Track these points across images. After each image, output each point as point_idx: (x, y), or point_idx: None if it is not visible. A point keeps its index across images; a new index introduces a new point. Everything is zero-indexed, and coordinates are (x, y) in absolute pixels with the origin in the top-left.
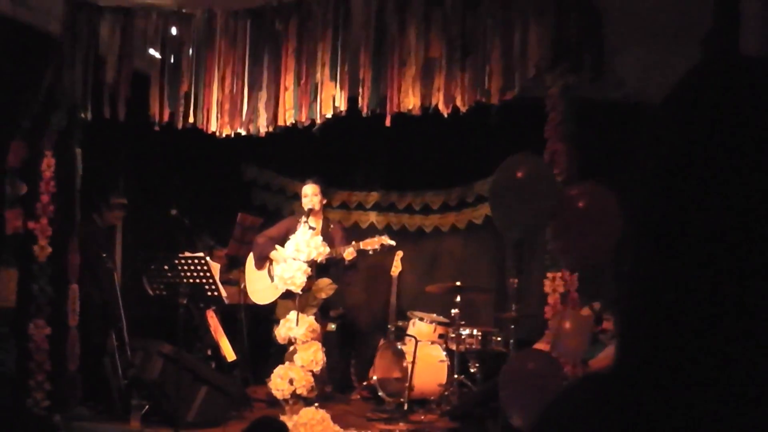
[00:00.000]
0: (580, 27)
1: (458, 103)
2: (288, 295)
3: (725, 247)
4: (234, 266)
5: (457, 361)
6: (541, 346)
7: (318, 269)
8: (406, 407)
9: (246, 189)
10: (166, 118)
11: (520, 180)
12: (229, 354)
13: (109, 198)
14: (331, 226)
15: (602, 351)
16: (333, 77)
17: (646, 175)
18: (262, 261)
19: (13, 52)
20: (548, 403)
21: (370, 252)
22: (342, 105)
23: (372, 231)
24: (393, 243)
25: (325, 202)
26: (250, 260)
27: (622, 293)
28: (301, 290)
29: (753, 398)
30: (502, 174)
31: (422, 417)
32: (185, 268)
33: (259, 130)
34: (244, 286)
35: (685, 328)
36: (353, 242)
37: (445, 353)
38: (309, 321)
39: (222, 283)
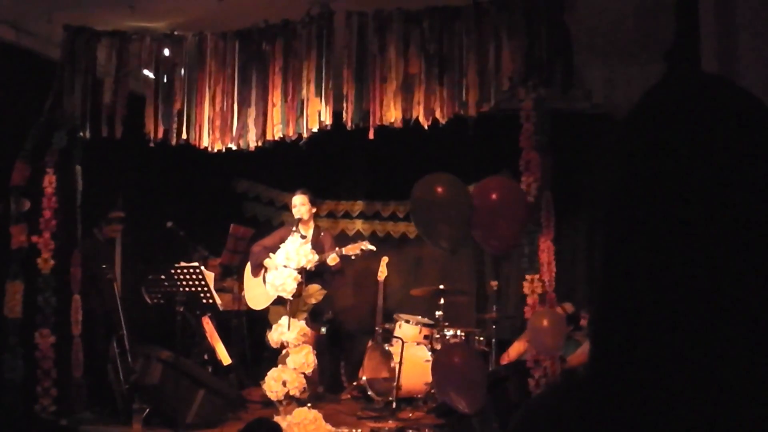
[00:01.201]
0: (550, 43)
1: (438, 115)
2: (280, 301)
3: (688, 251)
4: (227, 275)
5: None
6: (520, 344)
7: (308, 276)
8: (394, 405)
9: (237, 201)
10: (160, 135)
11: (439, 198)
12: (225, 358)
13: (108, 213)
14: (322, 233)
15: (578, 348)
16: (318, 93)
17: (613, 184)
18: (258, 268)
19: (16, 77)
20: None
21: (353, 257)
22: (327, 119)
23: (358, 238)
24: (373, 248)
25: (314, 211)
26: (248, 268)
27: (593, 294)
28: (292, 296)
29: (730, 396)
30: (420, 192)
31: (410, 414)
32: (181, 277)
33: (248, 145)
34: (243, 294)
35: (655, 327)
36: (336, 249)
37: (430, 353)
38: (300, 325)
39: (216, 291)
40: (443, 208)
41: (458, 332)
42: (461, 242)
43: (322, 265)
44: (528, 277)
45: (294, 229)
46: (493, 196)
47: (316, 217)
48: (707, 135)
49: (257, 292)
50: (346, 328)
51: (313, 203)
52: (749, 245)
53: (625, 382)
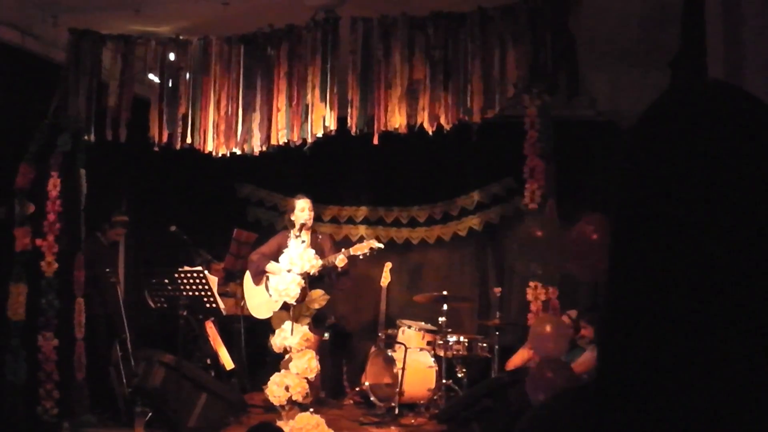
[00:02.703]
0: (555, 50)
1: (442, 121)
2: (283, 306)
3: (698, 259)
4: (231, 279)
5: (445, 366)
6: (524, 351)
7: (310, 281)
8: (396, 411)
9: (241, 206)
10: (164, 139)
11: (539, 239)
12: (228, 362)
13: (112, 216)
14: (320, 237)
15: (581, 355)
16: (323, 99)
17: (621, 193)
18: (259, 276)
19: (22, 81)
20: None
21: (360, 257)
22: (332, 125)
23: None
24: (381, 245)
25: (313, 216)
26: (248, 277)
27: (600, 302)
28: (295, 301)
29: (740, 403)
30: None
31: (412, 420)
32: (185, 281)
33: (253, 150)
34: (244, 303)
35: (663, 334)
36: (343, 249)
37: (433, 359)
38: (303, 330)
39: (219, 296)
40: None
41: (461, 338)
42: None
43: (325, 268)
44: (531, 284)
45: (297, 234)
46: (594, 237)
47: (319, 222)
48: (715, 142)
49: (260, 301)
50: (348, 333)
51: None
52: (760, 252)
53: (632, 388)
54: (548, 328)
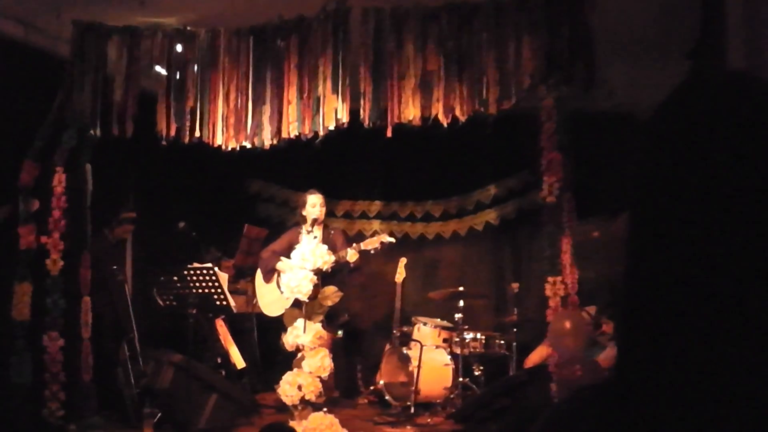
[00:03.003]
0: (571, 40)
1: (457, 113)
2: (295, 303)
3: (719, 253)
4: (241, 276)
5: (461, 364)
6: (543, 348)
7: (323, 277)
8: (412, 411)
9: (251, 202)
10: (172, 133)
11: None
12: (239, 362)
13: (119, 213)
14: (332, 232)
15: (601, 353)
16: (335, 90)
17: (639, 186)
18: (270, 274)
19: (26, 76)
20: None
21: (372, 251)
22: (344, 117)
23: None
24: (393, 240)
25: (325, 211)
26: (259, 275)
27: (619, 297)
28: (308, 298)
29: (758, 405)
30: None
31: (428, 420)
32: (194, 278)
33: (263, 143)
34: (255, 300)
35: (683, 333)
36: (354, 244)
37: (449, 357)
38: (316, 328)
39: (230, 293)
40: None
41: (478, 335)
42: None
43: (338, 264)
44: (550, 279)
45: (309, 229)
46: None
47: (332, 217)
48: (735, 134)
49: (272, 299)
50: (362, 330)
51: (325, 203)
52: None
53: (650, 388)
54: (567, 325)
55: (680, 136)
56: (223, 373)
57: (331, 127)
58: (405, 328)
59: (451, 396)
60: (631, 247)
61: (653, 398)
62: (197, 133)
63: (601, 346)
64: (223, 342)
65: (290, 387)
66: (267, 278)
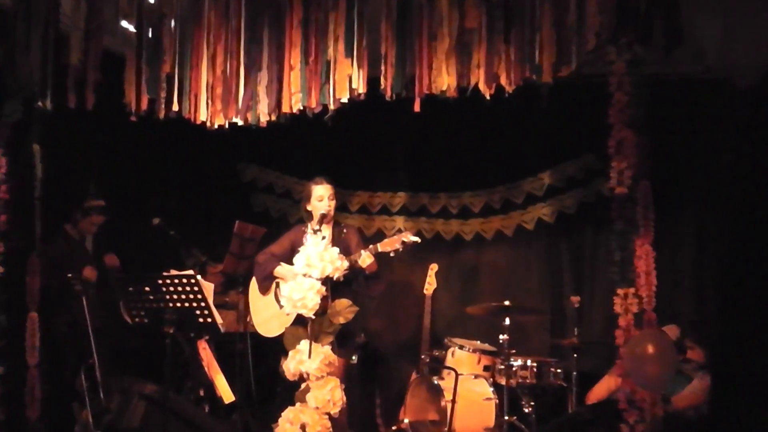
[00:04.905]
0: None
1: (503, 81)
2: (298, 321)
3: None
4: (231, 286)
5: (507, 398)
6: (610, 379)
7: (333, 288)
8: None
9: (245, 192)
10: (144, 106)
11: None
12: (227, 394)
13: (83, 202)
14: (344, 231)
15: (686, 386)
16: (349, 54)
17: (736, 170)
18: (267, 282)
19: None
20: None
21: (391, 254)
22: (360, 87)
23: None
24: (417, 239)
25: (337, 205)
26: (254, 284)
27: (713, 314)
28: (315, 314)
29: None
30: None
31: None
32: (171, 289)
33: (259, 120)
34: (248, 317)
35: None
36: (370, 246)
37: (492, 389)
38: (324, 352)
39: (217, 307)
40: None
41: (528, 362)
42: None
43: (352, 271)
44: (620, 291)
45: (316, 228)
46: None
47: (345, 212)
48: None
49: (269, 314)
50: (383, 355)
51: (337, 195)
52: None
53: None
54: (651, 348)
55: None
56: (208, 408)
57: (344, 100)
58: (436, 352)
59: None
60: (730, 251)
61: None
62: (175, 107)
63: (686, 377)
64: (207, 369)
65: (291, 426)
66: (263, 288)
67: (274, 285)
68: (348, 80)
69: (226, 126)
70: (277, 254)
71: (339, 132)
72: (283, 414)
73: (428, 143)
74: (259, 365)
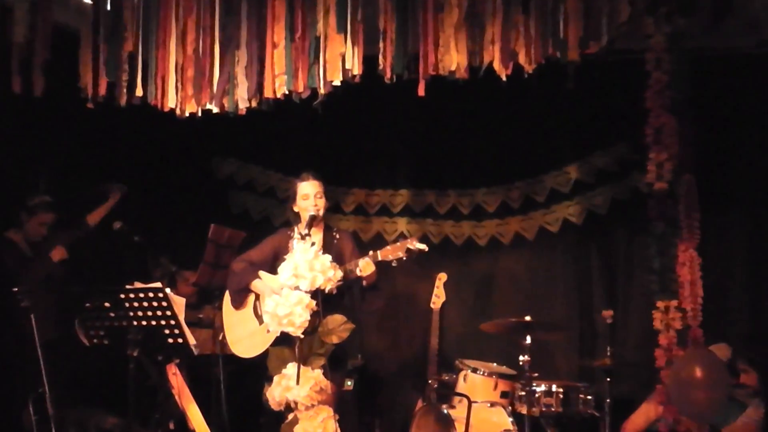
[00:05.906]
0: None
1: (521, 60)
2: (284, 340)
3: None
4: (206, 300)
5: (530, 429)
6: (650, 406)
7: (325, 302)
8: None
9: (221, 190)
10: (103, 91)
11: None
12: (200, 427)
13: (28, 200)
14: (336, 236)
15: (739, 415)
16: (341, 29)
17: None
18: (242, 295)
19: None
20: None
21: (394, 263)
22: (355, 68)
23: None
24: (424, 247)
25: (328, 205)
26: (228, 298)
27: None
28: (303, 333)
29: None
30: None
31: None
32: (136, 305)
33: (237, 107)
34: (223, 335)
35: None
36: (370, 253)
37: (511, 419)
38: (315, 377)
39: (189, 325)
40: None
41: (554, 387)
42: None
43: (346, 282)
44: (660, 304)
45: (304, 232)
46: None
47: (338, 213)
48: None
49: (246, 331)
50: (383, 380)
51: (328, 193)
52: None
53: None
54: (697, 371)
55: None
56: None
57: (337, 83)
58: (445, 376)
59: None
60: None
61: None
62: (139, 91)
63: (738, 405)
64: (178, 398)
65: None
66: (237, 302)
67: (252, 298)
68: (341, 60)
69: (199, 114)
70: (257, 262)
71: (330, 120)
72: None
73: (434, 132)
74: (239, 392)
